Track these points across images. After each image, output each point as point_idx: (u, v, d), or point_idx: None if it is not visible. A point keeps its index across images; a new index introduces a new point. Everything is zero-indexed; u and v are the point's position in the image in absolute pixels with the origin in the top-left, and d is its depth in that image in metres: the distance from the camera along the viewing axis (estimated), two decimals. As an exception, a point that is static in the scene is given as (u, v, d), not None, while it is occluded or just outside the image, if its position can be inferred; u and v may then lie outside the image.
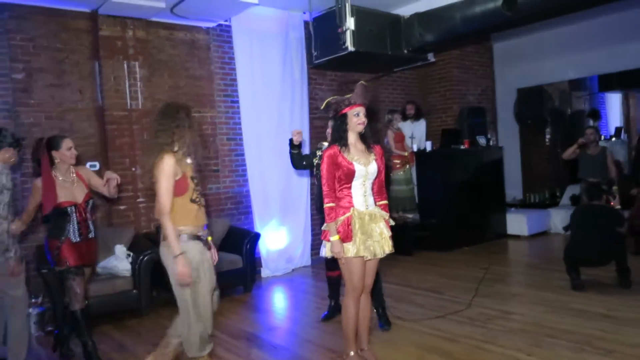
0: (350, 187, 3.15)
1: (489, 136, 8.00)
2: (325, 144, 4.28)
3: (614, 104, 11.21)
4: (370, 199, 3.22)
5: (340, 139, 3.19)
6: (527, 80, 9.21)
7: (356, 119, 3.16)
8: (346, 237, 3.09)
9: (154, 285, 5.01)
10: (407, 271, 6.02)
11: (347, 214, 3.11)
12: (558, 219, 7.59)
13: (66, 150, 3.62)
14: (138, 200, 5.55)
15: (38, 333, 4.54)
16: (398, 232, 7.32)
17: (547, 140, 9.92)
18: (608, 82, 9.90)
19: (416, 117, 7.78)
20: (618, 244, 4.82)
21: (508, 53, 9.28)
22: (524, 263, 6.41)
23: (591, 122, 10.06)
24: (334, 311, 4.37)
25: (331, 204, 3.12)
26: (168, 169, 2.87)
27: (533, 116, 9.35)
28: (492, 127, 9.24)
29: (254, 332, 4.34)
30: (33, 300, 4.64)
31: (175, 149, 2.96)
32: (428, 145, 7.30)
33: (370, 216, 3.16)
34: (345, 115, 3.18)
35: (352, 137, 3.20)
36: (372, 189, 3.26)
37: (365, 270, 3.22)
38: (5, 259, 3.44)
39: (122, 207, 5.45)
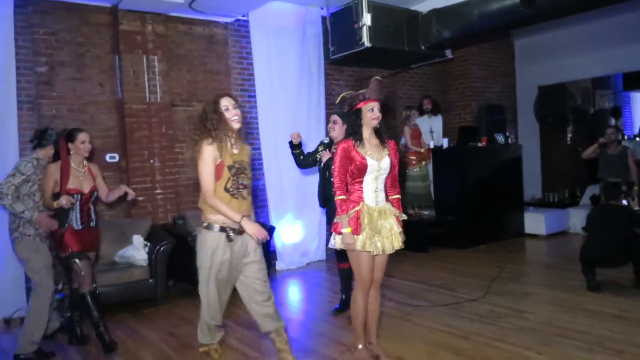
0: (361, 182, 3.18)
1: (507, 134, 7.92)
2: (327, 139, 4.31)
3: (639, 103, 10.99)
4: (382, 195, 3.23)
5: (354, 133, 3.21)
6: (548, 78, 9.07)
7: (370, 114, 3.17)
8: (354, 230, 3.12)
9: (170, 276, 5.11)
10: (421, 268, 6.02)
11: (357, 208, 3.13)
12: (577, 218, 7.47)
13: (80, 143, 3.82)
14: (156, 192, 5.67)
15: (58, 319, 4.66)
16: (413, 229, 7.29)
17: (568, 139, 9.77)
18: (633, 80, 9.70)
19: (433, 112, 7.75)
20: (636, 245, 4.74)
21: (530, 50, 9.15)
22: (540, 262, 6.35)
23: (613, 121, 9.88)
24: (345, 305, 4.40)
25: (342, 197, 3.15)
26: (206, 155, 2.93)
27: (554, 114, 9.21)
28: (512, 124, 9.16)
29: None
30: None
31: (212, 133, 2.97)
32: (445, 142, 7.27)
33: (380, 212, 3.17)
34: (359, 110, 3.20)
35: (366, 132, 3.22)
36: (385, 184, 3.28)
37: (373, 264, 3.24)
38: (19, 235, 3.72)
39: (140, 199, 5.56)
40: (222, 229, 2.99)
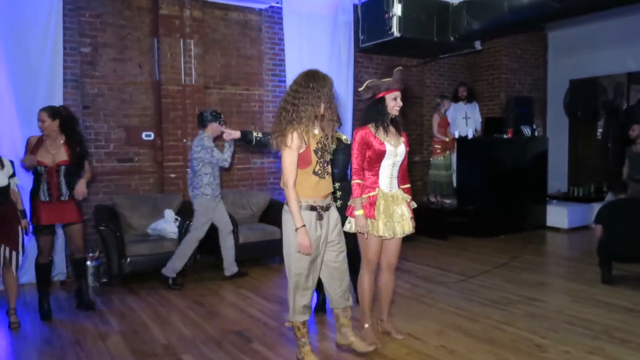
0: (378, 168, 3.33)
1: (534, 126, 7.93)
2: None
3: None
4: (395, 182, 3.39)
5: (381, 120, 3.32)
6: (581, 71, 8.96)
7: (393, 102, 3.33)
8: (369, 214, 3.29)
9: (198, 249, 5.40)
10: (439, 254, 6.16)
11: (372, 193, 3.31)
12: (601, 214, 7.47)
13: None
14: (187, 170, 5.94)
15: (94, 284, 5.03)
16: (434, 216, 7.40)
17: (598, 134, 9.67)
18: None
19: (468, 99, 7.83)
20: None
21: (563, 42, 9.06)
22: (558, 255, 6.42)
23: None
24: None
25: (358, 181, 3.33)
26: (291, 144, 2.88)
27: (584, 108, 9.12)
28: (541, 117, 9.13)
29: (286, 297, 4.62)
30: (90, 254, 5.15)
31: (303, 119, 2.89)
32: (470, 133, 7.35)
33: (394, 198, 3.35)
34: (383, 99, 3.35)
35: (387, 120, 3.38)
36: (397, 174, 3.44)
37: (381, 247, 3.41)
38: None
39: (172, 176, 5.87)
40: (312, 208, 2.99)
